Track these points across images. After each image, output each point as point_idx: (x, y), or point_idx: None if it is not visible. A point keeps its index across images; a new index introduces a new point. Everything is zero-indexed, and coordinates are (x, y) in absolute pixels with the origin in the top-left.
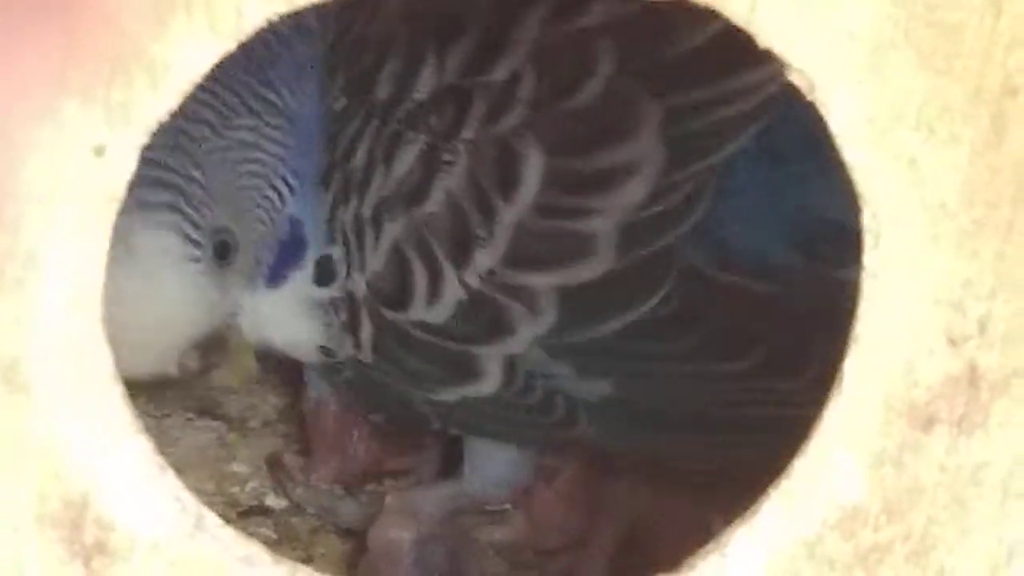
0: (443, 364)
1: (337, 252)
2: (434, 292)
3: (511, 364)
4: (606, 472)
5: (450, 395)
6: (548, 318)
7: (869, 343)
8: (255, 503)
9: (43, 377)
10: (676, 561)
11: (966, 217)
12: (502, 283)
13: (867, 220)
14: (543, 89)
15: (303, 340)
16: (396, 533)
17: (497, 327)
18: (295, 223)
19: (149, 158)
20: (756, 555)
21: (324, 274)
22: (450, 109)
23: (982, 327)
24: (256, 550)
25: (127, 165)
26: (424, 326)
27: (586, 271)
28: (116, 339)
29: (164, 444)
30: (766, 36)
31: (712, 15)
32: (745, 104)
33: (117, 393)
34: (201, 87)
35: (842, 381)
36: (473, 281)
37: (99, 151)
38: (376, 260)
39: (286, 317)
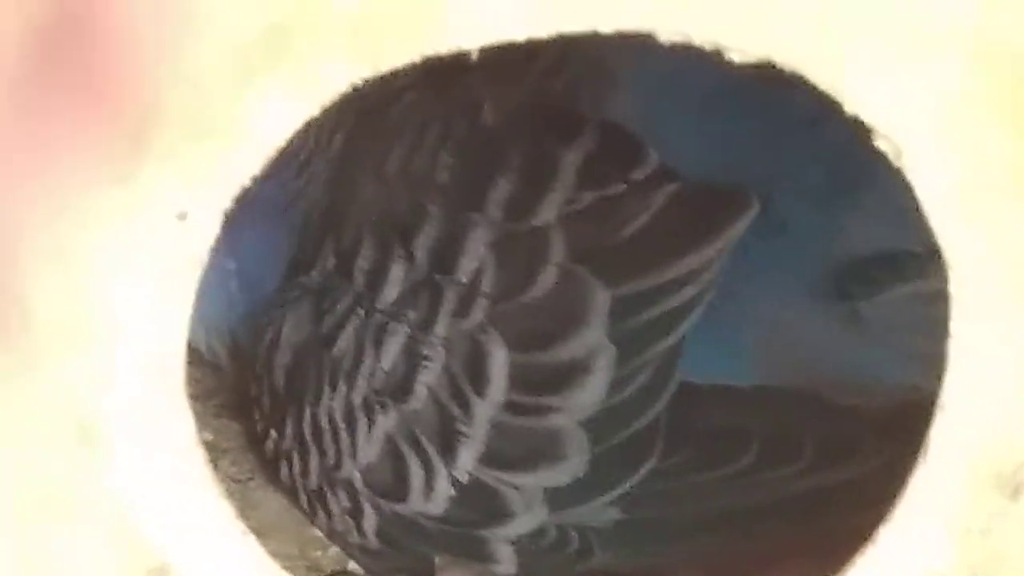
0: (454, 549)
1: None
2: (429, 486)
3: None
4: None
5: None
6: (542, 511)
7: (955, 411)
8: (337, 568)
9: (124, 441)
10: None
11: None
12: (491, 477)
13: (954, 287)
14: (502, 281)
15: None
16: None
17: (496, 513)
18: None
19: None
20: None
21: None
22: (423, 303)
23: None
24: None
25: (209, 229)
26: (426, 516)
27: (562, 472)
28: None
29: (246, 508)
30: (852, 102)
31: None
32: (696, 287)
33: (198, 457)
34: None
35: (928, 450)
36: (462, 476)
37: (182, 216)
38: (370, 450)
39: None
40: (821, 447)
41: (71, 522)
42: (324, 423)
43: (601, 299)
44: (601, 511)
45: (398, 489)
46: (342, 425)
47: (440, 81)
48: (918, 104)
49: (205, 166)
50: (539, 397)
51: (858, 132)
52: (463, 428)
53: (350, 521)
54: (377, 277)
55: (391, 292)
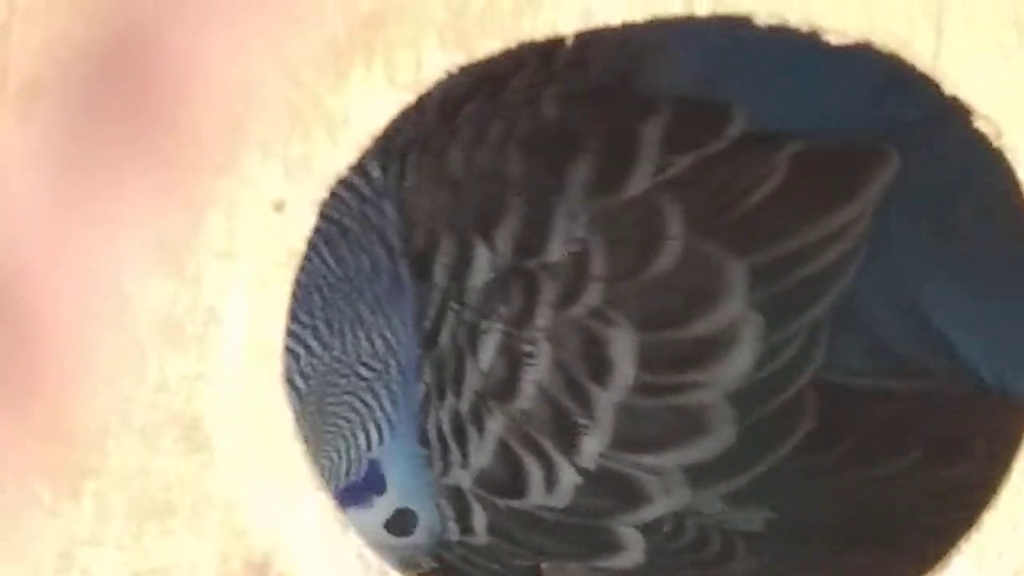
0: (576, 540)
1: (422, 511)
2: (550, 480)
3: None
4: None
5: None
6: (682, 492)
7: None
8: (435, 565)
9: (224, 435)
10: None
11: None
12: (624, 462)
13: None
14: (615, 261)
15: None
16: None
17: (630, 498)
18: (373, 466)
19: None
20: None
21: (397, 526)
22: (517, 295)
23: None
24: None
25: (306, 219)
26: (548, 509)
27: (707, 447)
28: None
29: None
30: (950, 82)
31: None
32: (840, 247)
33: (297, 450)
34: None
35: None
36: (589, 464)
37: (279, 206)
38: (482, 456)
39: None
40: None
41: (174, 518)
42: (433, 436)
43: (736, 269)
44: (752, 511)
45: (515, 487)
46: (451, 436)
47: (493, 86)
48: (1017, 82)
49: (301, 156)
50: (678, 375)
51: (959, 113)
52: (582, 420)
53: (455, 526)
54: (460, 271)
55: (477, 283)
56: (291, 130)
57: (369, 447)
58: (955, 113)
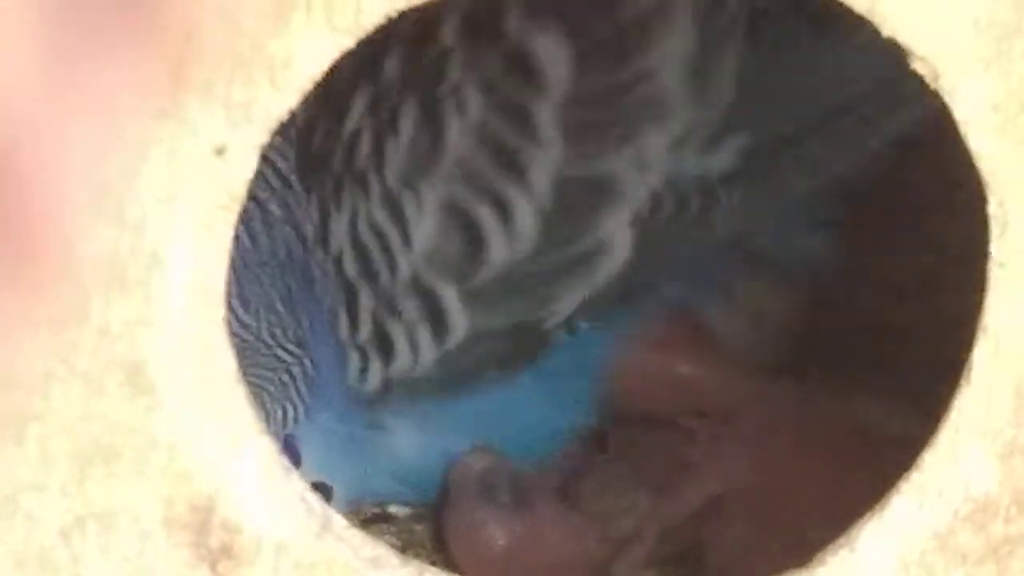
0: (556, 274)
1: (338, 484)
2: (507, 226)
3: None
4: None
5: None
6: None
7: (998, 332)
8: (378, 510)
9: (167, 379)
10: (805, 556)
11: None
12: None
13: (994, 208)
14: None
15: None
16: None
17: (604, 199)
18: (289, 439)
19: None
20: (887, 549)
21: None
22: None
23: None
24: (383, 551)
25: (248, 164)
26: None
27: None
28: None
29: None
30: (889, 25)
31: None
32: None
33: (240, 394)
34: None
35: (971, 371)
36: (545, 192)
37: (220, 151)
38: (423, 230)
39: None
40: None
41: (119, 462)
42: (366, 237)
43: None
44: (720, 154)
45: (473, 253)
46: (386, 221)
47: None
48: (955, 25)
49: (243, 101)
50: (619, 67)
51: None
52: (526, 144)
53: (426, 328)
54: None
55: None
56: (232, 75)
57: (285, 423)
58: None
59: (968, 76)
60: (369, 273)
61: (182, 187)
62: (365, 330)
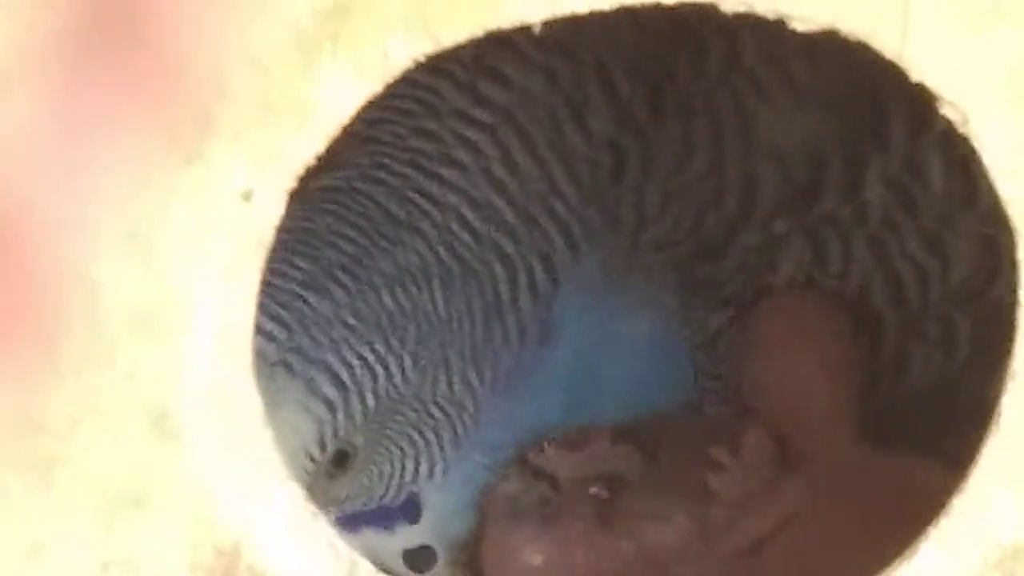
0: None
1: (442, 551)
2: None
3: None
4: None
5: None
6: None
7: None
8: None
9: (193, 425)
10: None
11: None
12: None
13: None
14: None
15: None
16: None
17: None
18: (412, 496)
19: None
20: None
21: (415, 559)
22: None
23: None
24: None
25: (274, 209)
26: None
27: None
28: None
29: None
30: (917, 69)
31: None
32: None
33: (267, 439)
34: None
35: (1001, 417)
36: None
37: (247, 196)
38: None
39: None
40: None
41: (145, 507)
42: None
43: None
44: None
45: None
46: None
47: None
48: (983, 70)
49: (270, 146)
50: None
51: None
52: None
53: None
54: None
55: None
56: (259, 120)
57: (415, 479)
58: None
59: (997, 121)
60: None
61: (209, 232)
62: None
